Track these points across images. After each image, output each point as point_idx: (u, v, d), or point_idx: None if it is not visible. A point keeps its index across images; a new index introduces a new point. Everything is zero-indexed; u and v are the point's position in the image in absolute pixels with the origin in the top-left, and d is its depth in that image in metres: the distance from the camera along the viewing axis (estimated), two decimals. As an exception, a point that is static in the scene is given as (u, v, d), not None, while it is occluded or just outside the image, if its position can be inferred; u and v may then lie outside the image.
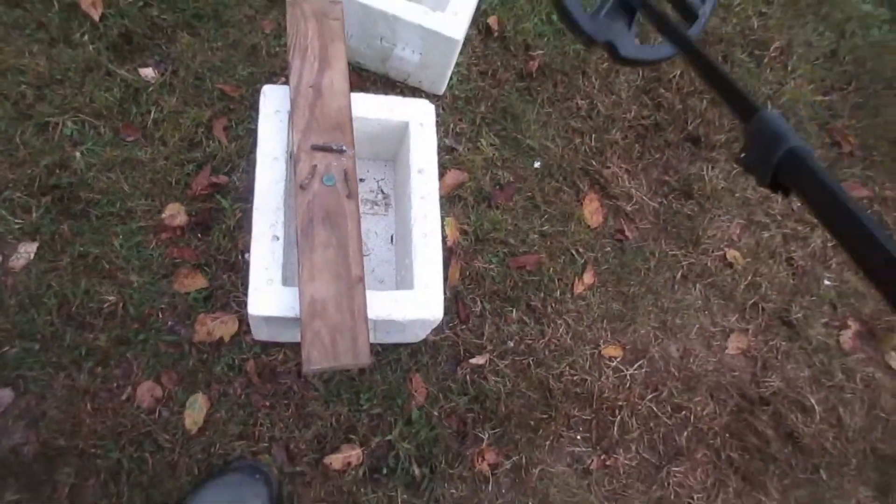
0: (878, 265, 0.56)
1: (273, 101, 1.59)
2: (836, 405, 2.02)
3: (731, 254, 2.16)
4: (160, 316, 1.63)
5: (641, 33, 0.91)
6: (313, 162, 1.50)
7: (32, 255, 1.59)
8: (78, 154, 1.70)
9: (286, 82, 1.66)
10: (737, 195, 2.26)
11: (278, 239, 1.48)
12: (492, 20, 2.22)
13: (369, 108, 1.66)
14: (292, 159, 1.52)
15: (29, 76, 1.74)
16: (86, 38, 1.82)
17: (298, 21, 1.63)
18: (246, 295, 1.42)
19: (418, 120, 1.67)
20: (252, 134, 1.86)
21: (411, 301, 1.49)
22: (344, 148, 1.53)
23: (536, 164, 2.09)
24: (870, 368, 2.12)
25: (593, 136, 2.18)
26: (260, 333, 1.63)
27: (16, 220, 1.61)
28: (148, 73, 1.84)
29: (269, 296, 1.42)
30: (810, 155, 0.66)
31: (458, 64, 2.08)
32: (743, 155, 0.69)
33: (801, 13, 2.73)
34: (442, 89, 2.05)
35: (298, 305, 1.40)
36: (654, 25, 0.92)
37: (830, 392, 2.05)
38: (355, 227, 1.48)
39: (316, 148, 1.52)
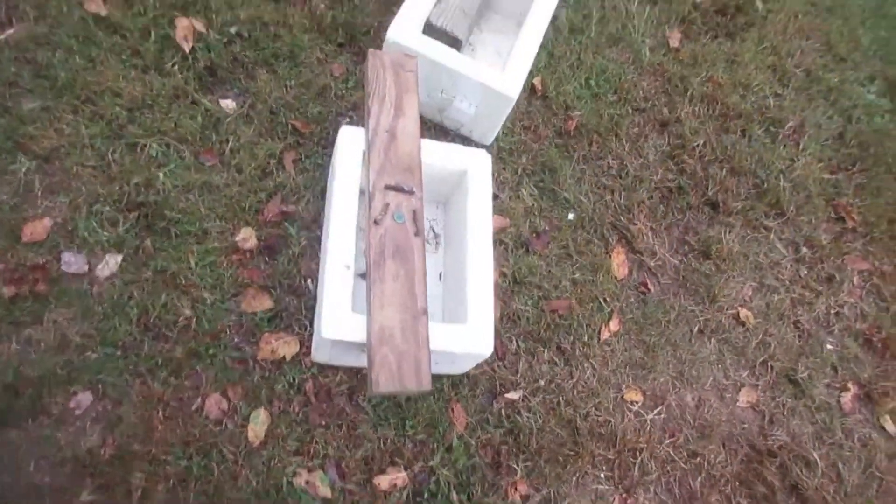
0: None
1: (349, 141, 1.74)
2: (836, 461, 2.17)
3: (744, 313, 2.32)
4: (228, 332, 1.75)
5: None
6: (386, 200, 1.65)
7: (117, 267, 1.71)
8: (161, 175, 1.84)
9: (351, 122, 1.79)
10: (750, 259, 2.44)
11: (349, 268, 1.61)
12: (536, 80, 2.41)
13: (431, 154, 1.81)
14: (366, 196, 1.66)
15: (124, 99, 1.88)
16: (175, 67, 1.98)
17: (378, 70, 1.79)
18: (307, 318, 1.53)
19: (476, 169, 1.83)
20: (319, 168, 2.01)
21: (466, 335, 1.63)
22: (414, 189, 1.67)
23: (570, 216, 2.25)
24: (866, 429, 2.28)
25: (622, 193, 2.36)
26: (320, 356, 1.74)
27: (104, 232, 1.73)
28: (228, 104, 2.00)
29: (342, 321, 1.54)
30: None
31: (505, 119, 2.26)
32: None
33: (813, 98, 2.97)
34: (490, 140, 2.23)
35: (366, 331, 1.53)
36: None
37: (831, 449, 2.20)
38: (421, 263, 1.62)
39: (389, 187, 1.66)
